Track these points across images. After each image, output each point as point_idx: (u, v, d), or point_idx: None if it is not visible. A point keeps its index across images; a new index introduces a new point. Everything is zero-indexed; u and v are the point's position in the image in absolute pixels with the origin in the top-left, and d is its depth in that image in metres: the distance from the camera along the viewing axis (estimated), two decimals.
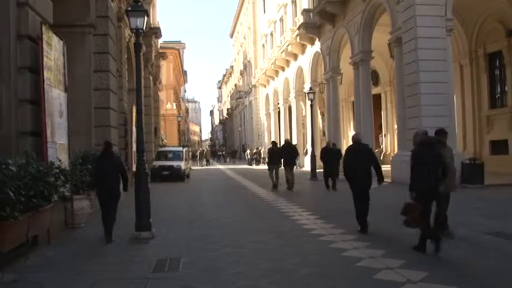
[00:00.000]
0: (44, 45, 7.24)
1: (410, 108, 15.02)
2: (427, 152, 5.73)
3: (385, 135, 26.97)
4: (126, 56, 15.85)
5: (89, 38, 11.31)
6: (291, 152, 15.14)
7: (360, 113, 19.67)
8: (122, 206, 11.04)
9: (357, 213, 7.18)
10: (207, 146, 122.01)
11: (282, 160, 14.73)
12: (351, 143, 7.49)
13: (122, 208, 10.69)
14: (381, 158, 23.63)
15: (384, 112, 26.86)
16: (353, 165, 7.14)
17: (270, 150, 16.01)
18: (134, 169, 14.07)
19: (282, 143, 25.62)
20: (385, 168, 19.73)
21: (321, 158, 14.35)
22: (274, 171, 14.93)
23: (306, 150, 28.54)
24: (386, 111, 26.63)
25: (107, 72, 11.81)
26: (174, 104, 54.14)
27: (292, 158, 15.00)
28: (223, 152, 55.83)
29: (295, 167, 15.03)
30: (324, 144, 17.59)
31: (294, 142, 30.26)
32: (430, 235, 5.59)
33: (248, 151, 39.08)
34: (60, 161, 7.34)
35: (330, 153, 14.64)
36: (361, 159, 7.14)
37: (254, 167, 34.73)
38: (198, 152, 42.92)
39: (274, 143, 16.48)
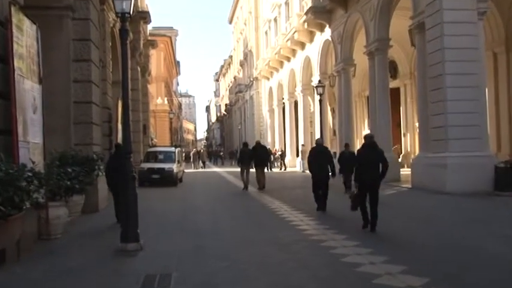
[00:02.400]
0: (14, 30, 7.13)
1: (434, 103, 14.90)
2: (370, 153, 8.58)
3: (404, 134, 26.88)
4: (110, 44, 15.80)
5: (67, 23, 11.24)
6: (261, 153, 17.49)
7: (376, 110, 19.59)
8: (107, 213, 11.09)
9: (316, 197, 11.30)
10: (202, 146, 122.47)
11: (253, 161, 17.15)
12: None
13: (107, 215, 10.73)
14: (399, 160, 23.50)
15: (403, 108, 26.77)
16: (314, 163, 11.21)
17: (241, 152, 18.77)
18: None
19: (304, 144, 25.99)
20: (405, 172, 19.94)
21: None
22: (245, 172, 17.33)
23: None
24: (406, 107, 26.54)
25: (88, 61, 11.75)
26: (166, 98, 54.23)
27: (263, 159, 17.53)
28: (222, 153, 55.88)
29: (266, 168, 18.11)
30: (338, 146, 17.85)
31: (301, 141, 30.32)
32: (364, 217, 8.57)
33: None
34: (33, 162, 7.28)
35: (343, 157, 14.66)
36: (321, 159, 11.18)
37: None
38: (192, 152, 42.84)
39: (245, 144, 18.98)
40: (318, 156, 11.19)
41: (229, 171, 20.49)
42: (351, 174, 11.66)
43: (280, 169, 32.68)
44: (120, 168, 8.23)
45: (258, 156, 17.35)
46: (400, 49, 24.68)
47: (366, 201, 8.54)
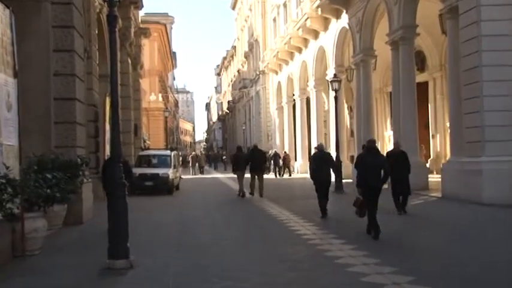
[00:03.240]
0: None
1: (468, 100, 14.75)
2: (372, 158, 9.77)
3: (433, 136, 26.72)
4: (96, 32, 15.79)
5: (46, 7, 11.23)
6: (257, 157, 18.33)
7: (400, 108, 19.49)
8: (93, 225, 11.06)
9: (320, 203, 12.38)
10: (201, 149, 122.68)
11: (249, 166, 18.03)
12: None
13: (92, 227, 10.71)
14: (427, 165, 23.35)
15: (431, 106, 26.61)
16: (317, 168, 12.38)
17: (235, 157, 19.61)
18: None
19: (314, 148, 26.84)
20: (434, 179, 19.79)
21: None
22: (241, 177, 18.40)
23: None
24: (435, 104, 26.37)
25: (70, 52, 11.74)
26: (160, 95, 54.39)
27: (259, 163, 18.25)
28: (224, 157, 55.96)
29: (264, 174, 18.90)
30: (355, 149, 17.52)
31: (314, 144, 30.19)
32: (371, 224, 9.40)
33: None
34: (7, 168, 7.26)
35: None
36: (323, 164, 12.36)
37: (267, 176, 34.67)
38: (190, 156, 42.89)
39: (239, 148, 19.94)
40: (319, 162, 12.49)
41: (232, 177, 20.57)
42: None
43: (281, 175, 32.87)
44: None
45: (254, 160, 18.19)
46: (429, 37, 24.53)
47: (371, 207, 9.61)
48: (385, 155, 12.10)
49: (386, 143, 29.30)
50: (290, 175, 32.81)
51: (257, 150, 19.36)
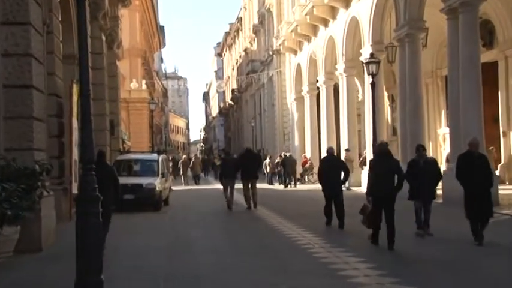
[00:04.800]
0: None
1: None
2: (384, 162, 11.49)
3: (504, 133, 26.47)
4: (59, 0, 15.78)
5: None
6: (251, 162, 19.98)
7: (459, 96, 19.32)
8: (55, 252, 11.00)
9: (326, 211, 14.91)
10: (198, 152, 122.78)
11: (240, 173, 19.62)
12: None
13: (55, 256, 10.64)
14: (497, 172, 23.10)
15: (502, 93, 26.34)
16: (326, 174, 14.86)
17: (222, 161, 21.88)
18: (75, 191, 14.21)
19: (349, 150, 27.39)
20: (506, 190, 19.43)
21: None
22: (229, 188, 19.93)
23: (363, 159, 28.23)
24: (508, 91, 26.10)
25: (25, 25, 11.70)
26: (144, 82, 54.66)
27: (253, 169, 20.01)
28: (219, 162, 55.96)
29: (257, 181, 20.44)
30: (399, 150, 17.45)
31: (344, 145, 30.13)
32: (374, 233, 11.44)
33: (267, 160, 39.11)
34: None
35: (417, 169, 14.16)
36: (333, 171, 14.79)
37: (277, 187, 35.01)
38: (181, 162, 42.75)
39: (227, 152, 22.86)
40: (329, 168, 14.82)
41: (237, 188, 20.75)
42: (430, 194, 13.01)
43: (287, 186, 33.64)
44: (106, 181, 10.93)
45: (245, 166, 19.81)
46: (500, 3, 24.30)
47: (381, 217, 11.26)
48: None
49: (440, 143, 29.12)
50: (295, 185, 33.70)
51: (249, 153, 21.28)
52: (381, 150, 11.94)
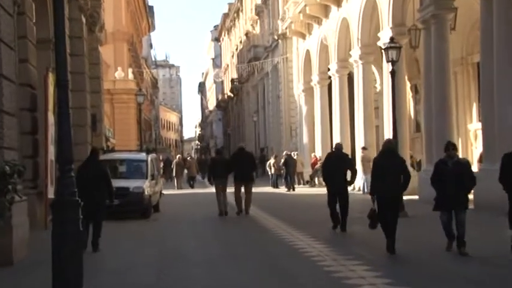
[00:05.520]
0: None
1: None
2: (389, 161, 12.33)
3: None
4: None
5: None
6: (244, 162, 20.67)
7: (494, 87, 19.22)
8: (28, 266, 10.92)
9: (332, 213, 15.87)
10: (192, 151, 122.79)
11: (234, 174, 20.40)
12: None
13: (28, 270, 10.56)
14: None
15: None
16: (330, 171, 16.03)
17: (212, 162, 22.59)
18: (51, 195, 14.18)
19: (366, 148, 27.96)
20: None
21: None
22: (221, 190, 20.77)
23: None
24: None
25: None
26: (131, 70, 54.71)
27: (247, 170, 20.63)
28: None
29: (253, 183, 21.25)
30: (424, 149, 17.71)
31: (360, 143, 30.06)
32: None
33: (272, 160, 39.07)
34: None
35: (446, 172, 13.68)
36: (338, 166, 15.76)
37: (282, 190, 35.18)
38: (175, 162, 42.75)
39: (218, 151, 23.51)
40: (335, 163, 15.82)
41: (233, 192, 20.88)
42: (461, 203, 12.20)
43: (289, 189, 34.01)
44: (99, 180, 12.97)
45: (238, 167, 20.52)
46: None
47: (387, 217, 12.11)
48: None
49: (471, 141, 29.00)
50: (293, 188, 34.03)
51: (243, 152, 22.14)
52: (388, 148, 12.81)
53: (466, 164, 12.90)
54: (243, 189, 20.61)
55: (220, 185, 20.80)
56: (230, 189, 21.04)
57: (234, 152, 22.85)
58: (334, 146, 17.71)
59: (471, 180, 12.34)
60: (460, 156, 20.46)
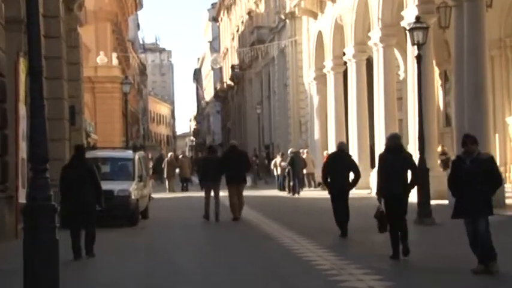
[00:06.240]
0: None
1: None
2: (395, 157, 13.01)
3: None
4: None
5: None
6: (237, 161, 21.33)
7: None
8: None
9: (336, 218, 16.77)
10: (186, 149, 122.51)
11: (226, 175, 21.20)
12: None
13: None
14: None
15: None
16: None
17: (203, 161, 23.72)
18: (22, 200, 14.19)
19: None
20: None
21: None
22: (211, 193, 21.46)
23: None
24: None
25: None
26: (115, 55, 54.78)
27: (240, 171, 21.56)
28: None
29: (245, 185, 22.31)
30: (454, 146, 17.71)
31: (381, 138, 30.04)
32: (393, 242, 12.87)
33: (277, 159, 39.03)
34: None
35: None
36: (339, 167, 16.65)
37: (283, 193, 35.46)
38: (166, 161, 42.71)
39: (211, 149, 23.86)
40: (336, 165, 16.70)
41: (246, 195, 20.94)
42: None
43: (294, 193, 33.98)
44: (86, 180, 13.49)
45: (230, 167, 21.20)
46: None
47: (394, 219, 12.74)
48: None
49: (510, 136, 28.99)
50: (297, 191, 33.98)
51: (235, 150, 22.91)
52: (393, 144, 13.33)
53: (488, 160, 11.97)
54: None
55: (212, 188, 21.53)
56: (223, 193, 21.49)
57: (226, 150, 23.81)
58: (337, 146, 18.78)
59: (494, 179, 11.72)
60: (498, 154, 20.47)
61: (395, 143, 13.31)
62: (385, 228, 12.84)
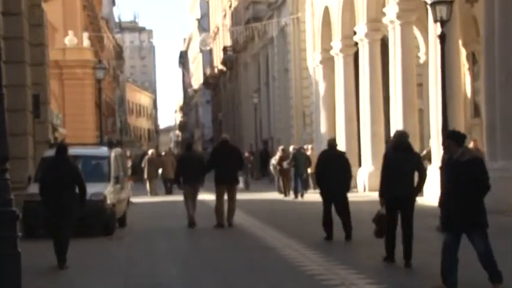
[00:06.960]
0: None
1: None
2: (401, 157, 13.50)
3: None
4: None
5: None
6: (228, 159, 21.60)
7: None
8: None
9: (325, 221, 17.64)
10: (172, 145, 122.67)
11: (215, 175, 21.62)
12: None
13: None
14: None
15: None
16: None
17: (181, 160, 24.25)
18: None
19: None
20: None
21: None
22: (191, 196, 22.05)
23: (428, 152, 28.24)
24: None
25: None
26: (86, 35, 54.83)
27: (232, 170, 21.93)
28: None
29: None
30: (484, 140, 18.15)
31: (394, 128, 30.01)
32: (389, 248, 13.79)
33: (277, 157, 39.09)
34: None
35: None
36: (334, 167, 17.49)
37: (290, 197, 35.71)
38: (147, 158, 42.80)
39: (189, 146, 24.65)
40: (328, 164, 17.55)
41: (240, 199, 20.83)
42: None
43: (297, 195, 34.39)
44: (68, 181, 14.39)
45: (220, 166, 21.53)
46: None
47: (395, 225, 13.44)
48: None
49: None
50: (302, 194, 34.29)
51: (227, 146, 22.96)
52: (400, 142, 13.92)
53: (472, 161, 10.86)
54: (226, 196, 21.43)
55: (190, 190, 22.15)
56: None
57: (215, 145, 23.35)
58: (327, 143, 19.28)
59: (480, 184, 10.66)
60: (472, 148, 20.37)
61: (402, 141, 13.78)
62: (382, 234, 13.56)
